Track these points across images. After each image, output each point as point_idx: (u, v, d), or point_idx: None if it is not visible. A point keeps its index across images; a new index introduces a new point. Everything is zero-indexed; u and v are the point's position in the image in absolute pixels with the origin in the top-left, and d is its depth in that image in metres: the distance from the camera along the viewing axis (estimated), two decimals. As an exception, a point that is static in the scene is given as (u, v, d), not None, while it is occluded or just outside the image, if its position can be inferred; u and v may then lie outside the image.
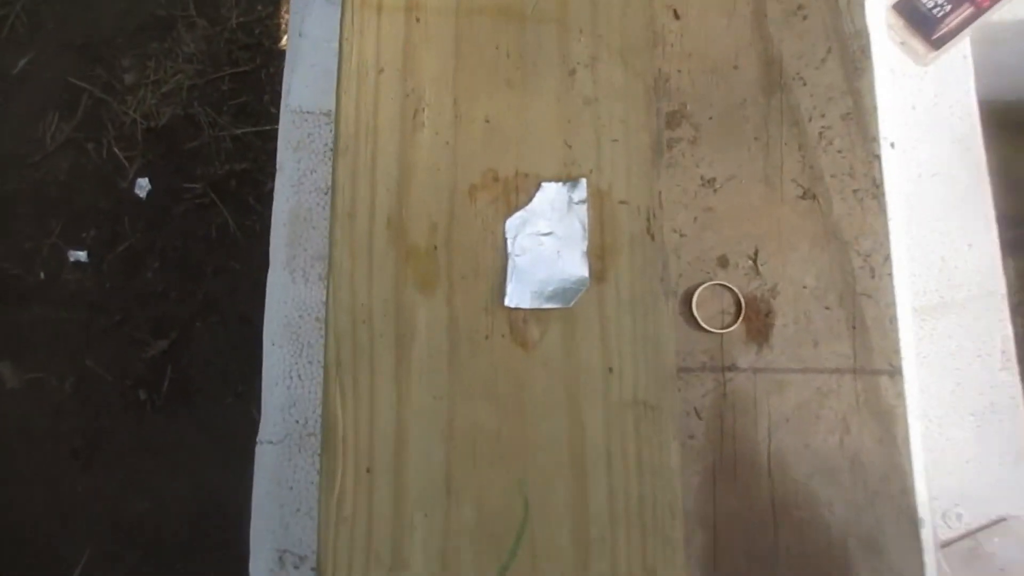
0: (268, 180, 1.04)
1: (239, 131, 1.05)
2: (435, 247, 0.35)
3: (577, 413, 0.34)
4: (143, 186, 1.05)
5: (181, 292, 1.00)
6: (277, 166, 0.63)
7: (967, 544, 0.59)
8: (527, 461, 0.34)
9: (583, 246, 0.35)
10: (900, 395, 0.50)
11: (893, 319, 0.51)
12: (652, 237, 0.37)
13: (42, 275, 1.03)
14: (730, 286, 0.51)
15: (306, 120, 0.64)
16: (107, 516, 0.94)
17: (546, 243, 0.35)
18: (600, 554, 0.33)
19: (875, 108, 0.54)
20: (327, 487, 0.33)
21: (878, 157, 0.53)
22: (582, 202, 0.36)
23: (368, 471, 0.34)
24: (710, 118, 0.54)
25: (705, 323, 0.50)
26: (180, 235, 1.02)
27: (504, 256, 0.35)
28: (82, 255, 1.03)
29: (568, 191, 0.36)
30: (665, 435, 0.35)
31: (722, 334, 0.50)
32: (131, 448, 0.96)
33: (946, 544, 0.59)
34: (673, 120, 0.54)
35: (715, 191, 0.53)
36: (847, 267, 0.52)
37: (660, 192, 0.37)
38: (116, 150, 1.07)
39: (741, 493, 0.48)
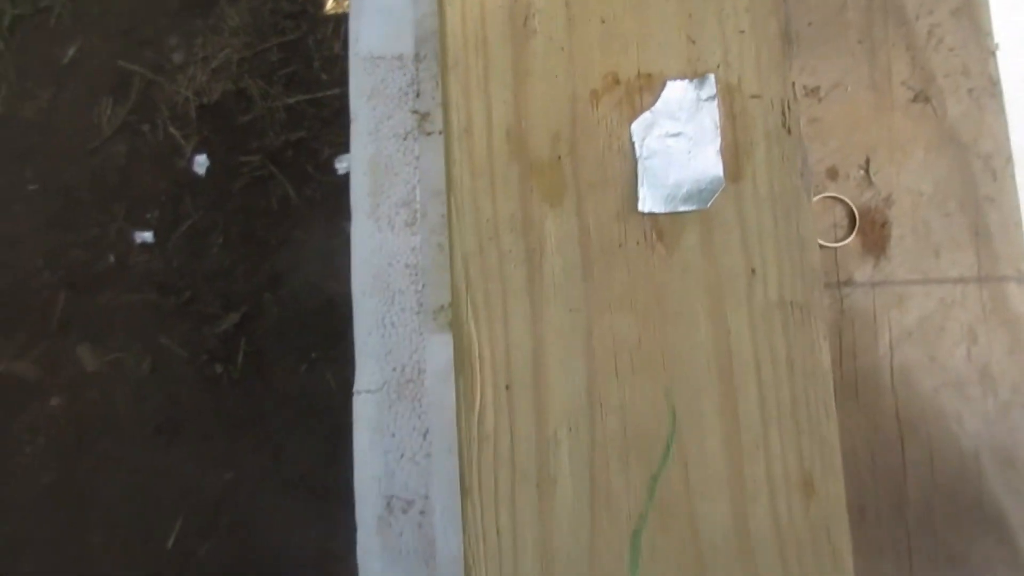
0: (325, 148, 1.03)
1: (292, 100, 1.04)
2: (559, 157, 0.34)
3: (721, 318, 0.32)
4: (201, 163, 1.05)
5: (247, 265, 1.00)
6: (351, 116, 0.62)
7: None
8: (672, 370, 0.32)
9: (716, 144, 0.33)
10: (1032, 305, 0.48)
11: (1019, 223, 0.49)
12: (788, 131, 0.35)
13: (111, 259, 1.04)
14: (842, 198, 0.49)
15: (378, 66, 0.63)
16: (194, 489, 0.96)
17: (676, 144, 0.33)
18: (753, 458, 0.31)
19: (987, 1, 0.51)
20: (466, 406, 0.32)
21: (993, 53, 0.50)
22: (711, 99, 0.34)
23: (507, 388, 0.32)
24: (809, 24, 0.51)
25: (818, 237, 0.48)
26: (242, 209, 1.02)
27: (633, 161, 0.34)
28: (148, 236, 1.04)
29: (695, 88, 0.34)
30: (815, 334, 0.33)
31: (836, 248, 0.48)
32: (211, 421, 0.97)
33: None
34: (768, 31, 0.52)
35: (820, 100, 0.50)
36: (967, 171, 0.49)
37: (794, 83, 0.35)
38: (172, 130, 1.07)
39: (864, 411, 0.46)
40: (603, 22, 0.35)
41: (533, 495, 0.32)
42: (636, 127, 0.34)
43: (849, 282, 0.48)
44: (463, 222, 0.34)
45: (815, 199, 0.49)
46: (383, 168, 0.62)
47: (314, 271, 0.89)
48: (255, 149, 1.04)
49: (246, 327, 0.99)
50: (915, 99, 0.50)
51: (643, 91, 0.34)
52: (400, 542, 0.52)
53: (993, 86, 0.50)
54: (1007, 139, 0.50)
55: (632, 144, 0.34)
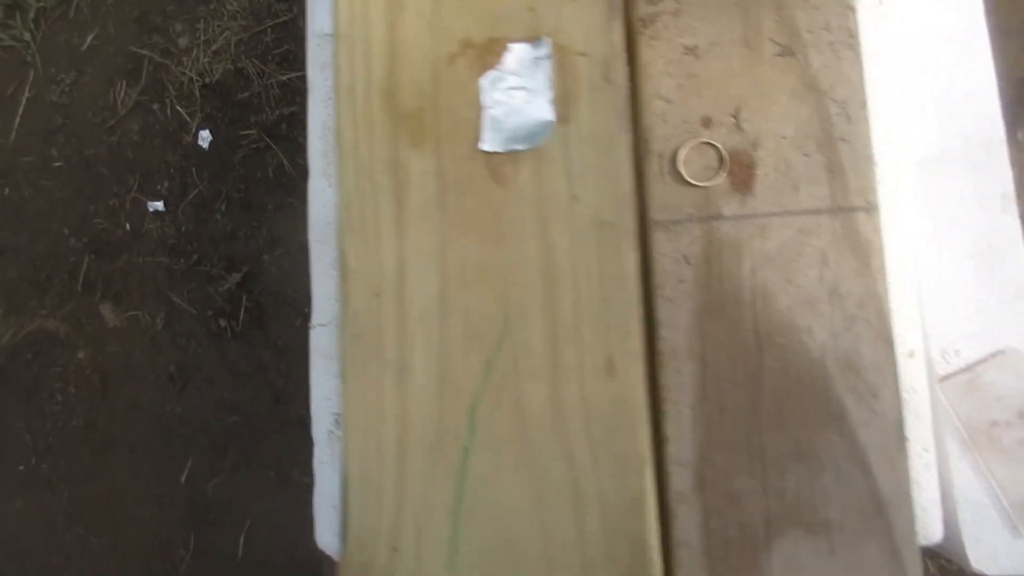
0: (314, 120, 1.11)
1: (284, 77, 1.13)
2: (422, 109, 0.42)
3: (547, 236, 0.40)
4: (205, 138, 1.15)
5: (248, 230, 1.10)
6: (308, 86, 0.70)
7: (965, 377, 0.62)
8: (506, 279, 0.40)
9: (549, 95, 0.41)
10: (876, 230, 0.54)
11: (869, 159, 0.55)
12: (608, 82, 0.42)
13: (127, 226, 1.15)
14: (713, 143, 0.56)
15: (329, 42, 0.71)
16: (203, 431, 1.07)
17: (516, 95, 0.41)
18: (568, 347, 0.39)
19: (848, -37, 0.57)
20: (344, 309, 0.41)
21: (852, 9, 0.56)
22: (547, 57, 0.41)
23: (376, 295, 0.41)
24: (690, -10, 0.58)
25: (691, 178, 0.55)
26: (242, 178, 1.12)
27: (480, 110, 0.41)
28: (159, 205, 1.14)
29: (533, 49, 0.41)
30: (623, 246, 0.40)
31: (707, 187, 0.55)
32: (218, 370, 1.07)
33: (945, 379, 0.62)
34: (652, -4, 0.58)
35: (698, 58, 0.57)
36: (824, 115, 0.56)
37: (616, 42, 0.42)
38: (178, 108, 1.17)
39: (727, 327, 0.54)
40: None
41: (394, 379, 0.40)
42: (483, 82, 0.41)
43: (718, 216, 0.55)
44: (346, 163, 0.42)
45: (690, 144, 0.55)
46: (333, 131, 0.70)
47: (307, 234, 0.99)
48: (252, 123, 1.13)
49: (247, 285, 1.09)
50: (781, 53, 0.56)
51: (492, 53, 0.42)
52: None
53: (851, 39, 0.56)
54: (862, 86, 0.56)
55: (480, 96, 0.41)
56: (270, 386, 1.05)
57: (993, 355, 0.63)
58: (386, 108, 0.42)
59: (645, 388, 0.40)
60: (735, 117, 0.56)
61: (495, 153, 0.41)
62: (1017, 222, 0.64)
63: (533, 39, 0.41)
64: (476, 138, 0.41)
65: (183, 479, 1.07)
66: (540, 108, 0.40)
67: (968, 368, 0.63)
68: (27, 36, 1.22)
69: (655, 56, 0.57)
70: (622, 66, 0.41)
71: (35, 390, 1.12)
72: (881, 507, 0.52)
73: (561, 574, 0.38)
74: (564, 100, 0.41)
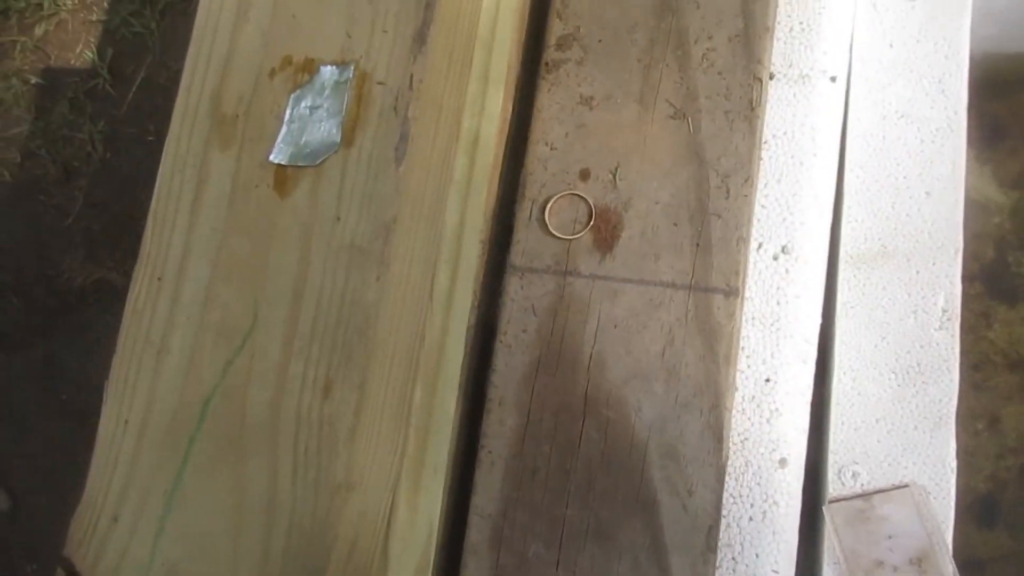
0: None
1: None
2: (237, 116, 0.44)
3: (307, 251, 0.41)
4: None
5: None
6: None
7: (858, 504, 0.55)
8: (264, 283, 0.41)
9: (340, 118, 0.42)
10: (732, 316, 0.50)
11: (741, 240, 0.51)
12: (395, 112, 0.42)
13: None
14: (584, 196, 0.54)
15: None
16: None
17: (314, 115, 0.42)
18: (298, 361, 0.40)
19: (768, 30, 0.53)
20: (129, 296, 0.44)
21: (759, 80, 0.53)
22: (347, 82, 0.42)
23: (159, 279, 0.43)
24: (599, 40, 0.56)
25: (555, 230, 0.54)
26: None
27: (281, 124, 0.43)
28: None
29: (339, 73, 0.43)
30: (368, 274, 0.40)
31: (569, 241, 0.54)
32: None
33: (834, 500, 0.55)
34: (564, 42, 0.57)
35: (591, 108, 0.56)
36: (704, 186, 0.52)
37: (412, 75, 0.42)
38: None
39: (559, 387, 0.52)
40: (294, 16, 0.44)
41: (153, 360, 0.43)
42: (291, 98, 0.43)
43: (574, 272, 0.53)
44: (168, 155, 0.46)
45: (561, 195, 0.54)
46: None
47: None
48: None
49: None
50: (674, 115, 0.54)
51: (305, 71, 0.44)
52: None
53: (751, 110, 0.53)
54: (751, 161, 0.52)
55: (284, 111, 0.43)
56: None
57: (895, 487, 0.55)
58: (210, 110, 0.45)
59: (354, 415, 0.40)
60: (613, 174, 0.54)
61: (282, 165, 0.42)
62: (955, 342, 0.56)
63: (342, 63, 0.43)
64: (271, 149, 0.43)
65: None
66: (329, 129, 0.41)
67: (864, 495, 0.56)
68: (152, 25, 1.39)
69: (551, 102, 0.56)
70: (411, 99, 0.41)
71: (90, 330, 1.26)
72: (670, 612, 0.47)
73: (240, 580, 0.38)
74: (353, 124, 0.42)
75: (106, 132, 1.37)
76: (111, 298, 1.26)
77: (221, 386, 0.41)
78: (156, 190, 0.45)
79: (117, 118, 1.36)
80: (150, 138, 1.33)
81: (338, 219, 0.41)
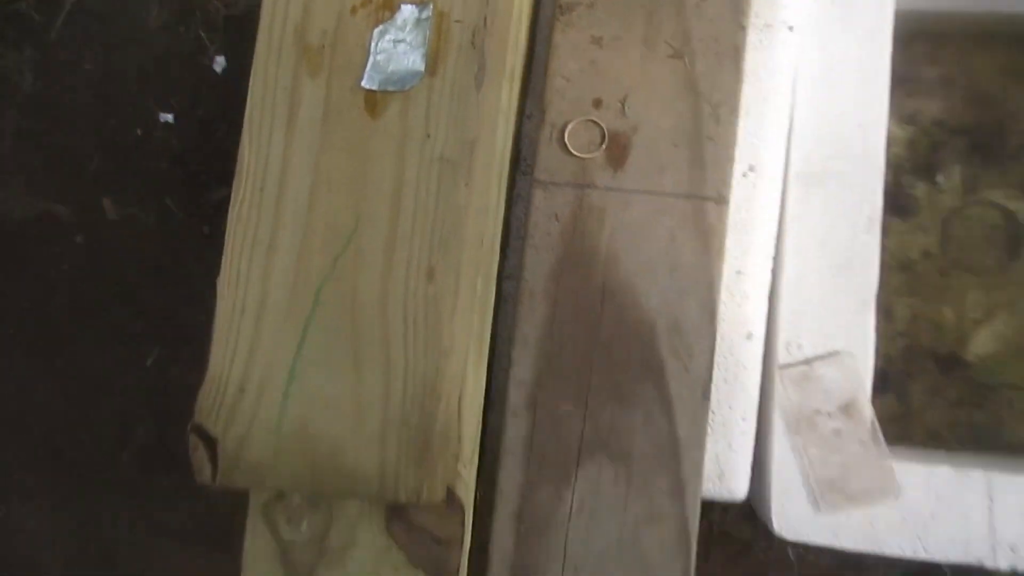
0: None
1: (298, 19, 1.23)
2: (323, 46, 0.51)
3: (401, 163, 0.49)
4: (220, 63, 1.26)
5: (242, 152, 1.21)
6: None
7: (801, 369, 0.70)
8: (364, 192, 0.49)
9: (423, 50, 0.50)
10: (721, 219, 0.63)
11: (728, 159, 0.63)
12: (473, 47, 0.51)
13: (138, 132, 1.26)
14: (598, 121, 0.64)
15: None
16: (173, 320, 1.19)
17: (398, 47, 0.50)
18: (400, 253, 0.48)
19: (748, -12, 0.65)
20: (234, 198, 0.51)
21: (743, 28, 0.64)
22: (427, 20, 0.50)
23: (261, 189, 0.50)
24: (607, -12, 0.66)
25: (573, 149, 0.64)
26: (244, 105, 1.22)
27: (368, 54, 0.50)
28: (169, 117, 1.26)
29: (418, 11, 0.50)
30: (458, 180, 0.50)
31: (586, 159, 0.64)
32: (194, 269, 1.19)
33: (784, 367, 0.70)
34: (574, -11, 0.67)
35: (601, 48, 0.66)
36: (698, 114, 0.64)
37: (487, 16, 0.51)
38: (201, 33, 1.28)
39: (579, 279, 0.63)
40: (371, -42, 0.51)
41: (262, 256, 0.50)
42: (375, 32, 0.50)
43: (591, 185, 0.64)
44: (257, 79, 0.52)
45: (578, 120, 0.64)
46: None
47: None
48: (263, 56, 1.23)
49: (233, 201, 1.20)
50: (673, 55, 0.65)
51: (386, 9, 0.51)
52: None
53: (735, 53, 0.64)
54: (736, 94, 0.64)
55: (369, 43, 0.50)
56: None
57: (829, 354, 0.71)
58: (295, 42, 0.51)
59: (453, 295, 0.49)
60: (622, 103, 0.64)
61: (372, 90, 0.50)
62: (877, 244, 0.72)
63: (420, 3, 0.50)
64: (360, 76, 0.50)
65: (148, 363, 1.19)
66: (414, 60, 0.49)
67: (806, 362, 0.71)
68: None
69: (565, 40, 0.65)
70: (485, 36, 0.50)
71: (34, 262, 1.25)
72: (676, 449, 0.60)
73: (366, 426, 0.48)
74: (435, 56, 0.50)
75: (35, 60, 1.32)
76: (57, 230, 1.25)
77: (332, 276, 0.49)
78: (248, 112, 0.52)
79: (47, 43, 1.32)
80: (87, 67, 1.30)
81: (428, 136, 0.49)
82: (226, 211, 1.17)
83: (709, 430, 0.65)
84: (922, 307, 0.89)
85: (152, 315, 1.20)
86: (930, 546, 0.68)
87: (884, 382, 0.89)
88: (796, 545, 0.99)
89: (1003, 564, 0.67)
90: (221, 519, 1.14)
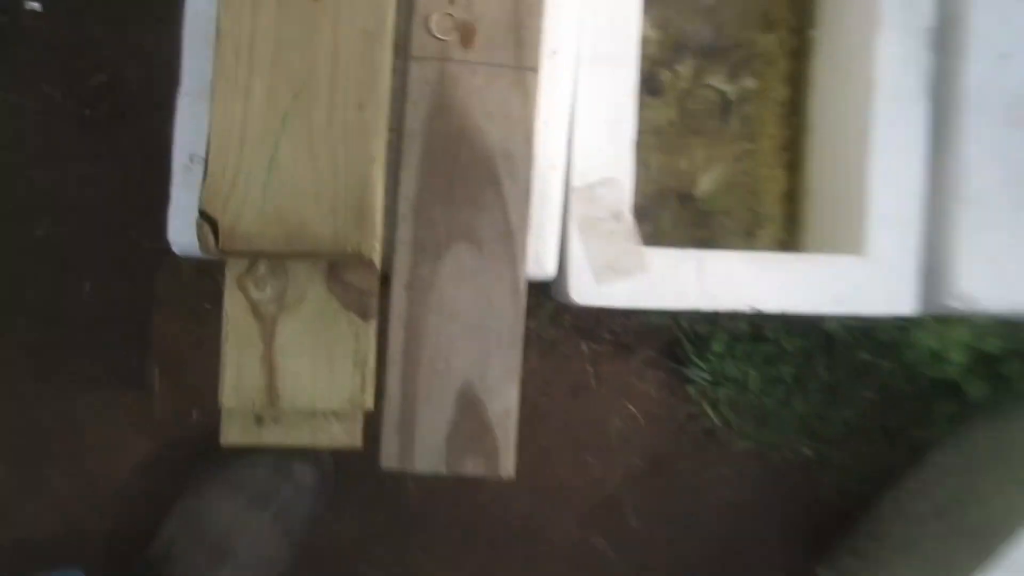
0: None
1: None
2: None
3: (337, 32, 0.75)
4: (85, -46, 1.36)
5: (118, 40, 1.35)
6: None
7: (587, 192, 1.06)
8: (312, 52, 0.75)
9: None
10: (536, 84, 0.95)
11: (539, 42, 0.95)
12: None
13: (6, 19, 1.35)
14: (452, 14, 0.93)
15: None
16: (64, 200, 1.33)
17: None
18: (339, 94, 0.75)
19: (546, -76, 0.95)
20: (216, 58, 0.74)
21: (543, -48, 0.95)
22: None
23: (236, 54, 0.74)
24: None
25: (436, 33, 0.93)
26: (116, -6, 1.35)
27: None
28: (36, 6, 1.35)
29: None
30: (376, 45, 0.77)
31: (445, 40, 0.93)
32: (77, 150, 1.33)
33: (576, 189, 1.06)
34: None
35: (450, -38, 0.93)
36: (519, 9, 0.95)
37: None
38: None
39: (444, 124, 0.92)
40: None
41: (243, 97, 0.75)
42: (310, -58, 0.75)
43: (450, 59, 0.93)
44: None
45: (440, 12, 0.92)
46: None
47: (172, 53, 1.25)
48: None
49: (112, 85, 1.34)
50: (500, -30, 0.94)
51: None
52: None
53: (541, -30, 0.95)
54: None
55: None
56: (123, 164, 1.33)
57: (605, 180, 1.07)
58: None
59: (376, 120, 0.78)
60: (468, 2, 0.94)
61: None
62: (633, 109, 1.08)
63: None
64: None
65: (39, 234, 1.33)
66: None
67: (590, 187, 1.07)
68: None
69: (426, -45, 0.93)
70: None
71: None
72: (511, 234, 0.93)
73: (323, 205, 0.75)
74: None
75: None
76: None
77: (293, 108, 0.75)
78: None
79: None
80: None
81: (353, 15, 0.76)
82: (104, 95, 1.34)
83: (529, 227, 0.99)
84: (667, 160, 1.29)
85: (41, 193, 1.33)
86: (666, 299, 1.08)
87: (643, 214, 1.28)
88: (589, 338, 1.39)
89: (706, 306, 1.09)
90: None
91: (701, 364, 1.36)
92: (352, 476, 1.30)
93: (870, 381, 1.37)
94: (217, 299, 1.25)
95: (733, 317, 1.35)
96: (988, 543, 1.16)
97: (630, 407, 1.39)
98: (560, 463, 1.38)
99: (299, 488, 1.21)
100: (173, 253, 0.99)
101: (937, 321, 1.23)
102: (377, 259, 0.85)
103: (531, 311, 1.32)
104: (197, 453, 1.24)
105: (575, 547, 1.39)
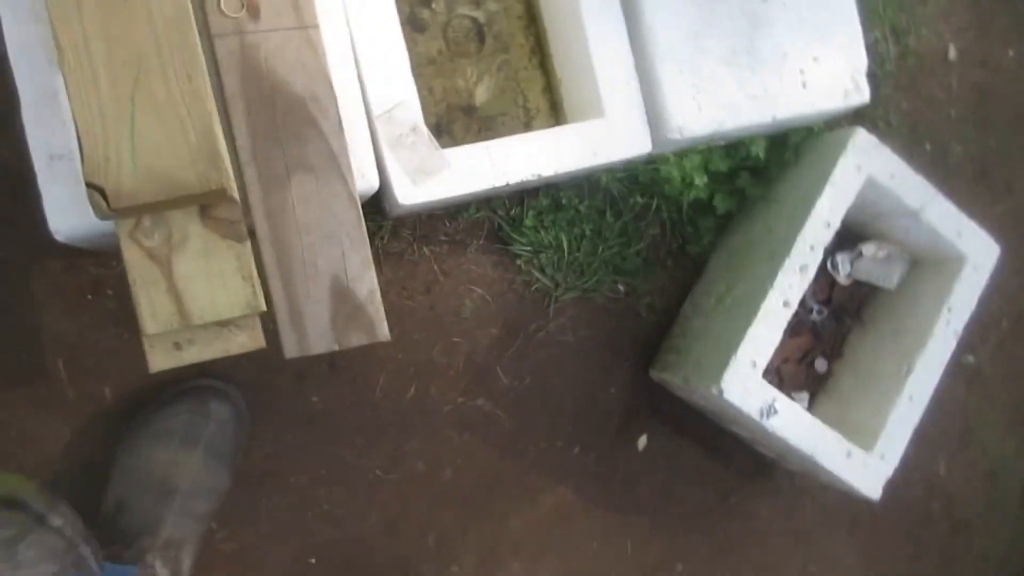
0: None
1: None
2: (83, -29, 0.95)
3: (153, 23, 0.97)
4: None
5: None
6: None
7: (386, 116, 1.33)
8: (139, 43, 0.97)
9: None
10: (320, 38, 1.20)
11: (312, 2, 1.20)
12: (169, -40, 0.99)
13: None
14: (238, -3, 1.16)
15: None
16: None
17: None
18: (170, 71, 0.98)
19: (293, -90, 1.20)
20: (60, 59, 0.94)
21: (297, -67, 1.20)
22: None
23: (75, 48, 0.94)
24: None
25: (228, 12, 1.16)
26: None
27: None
28: None
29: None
30: (187, 29, 1.00)
31: (237, 17, 1.16)
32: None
33: (378, 116, 1.33)
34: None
35: (225, -45, 1.16)
36: (291, -16, 1.19)
37: (170, -57, 0.99)
38: None
39: (256, 84, 1.16)
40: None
41: (94, 86, 0.95)
42: (111, -41, 0.96)
43: (245, 31, 1.16)
44: (48, -4, 0.94)
45: (226, -2, 1.15)
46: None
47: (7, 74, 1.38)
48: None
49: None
50: (267, -47, 1.18)
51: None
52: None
53: (300, -52, 1.20)
54: (307, -30, 1.20)
55: (111, -35, 0.96)
56: (-28, 203, 1.45)
57: (399, 104, 1.35)
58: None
59: (203, 86, 1.01)
60: (248, -16, 1.17)
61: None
62: (402, 46, 1.36)
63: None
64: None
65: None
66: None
67: (388, 111, 1.34)
68: None
69: (203, -47, 1.15)
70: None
71: None
72: (335, 158, 1.19)
73: (181, 158, 0.98)
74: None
75: None
76: None
77: (136, 89, 0.97)
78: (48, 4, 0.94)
79: None
80: None
81: (162, 6, 0.97)
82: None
83: (348, 150, 1.25)
84: (446, 83, 1.58)
85: None
86: (470, 185, 1.39)
87: (439, 129, 1.57)
88: (428, 243, 1.67)
89: (500, 183, 1.40)
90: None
91: (521, 239, 1.68)
92: (262, 405, 1.53)
93: (649, 218, 1.76)
94: (96, 289, 1.44)
95: (534, 194, 1.68)
96: (752, 305, 1.58)
97: (476, 289, 1.70)
98: (432, 349, 1.67)
99: (220, 422, 1.42)
100: (45, 258, 1.17)
101: (675, 155, 1.62)
102: (235, 194, 1.09)
103: (374, 232, 1.60)
104: (119, 420, 1.42)
105: (463, 412, 1.69)
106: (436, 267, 1.67)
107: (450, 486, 1.68)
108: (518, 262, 1.71)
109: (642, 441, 1.81)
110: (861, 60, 1.61)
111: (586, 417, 1.77)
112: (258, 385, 1.52)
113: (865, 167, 1.59)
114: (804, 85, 1.57)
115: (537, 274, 1.72)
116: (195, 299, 1.05)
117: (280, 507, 1.56)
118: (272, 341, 1.17)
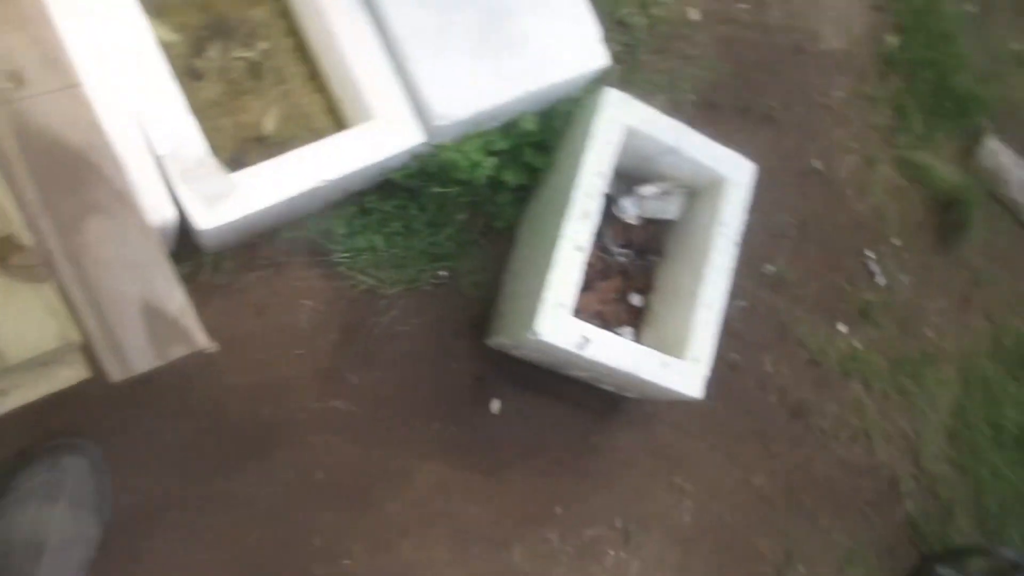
0: None
1: None
2: None
3: None
4: None
5: None
6: None
7: (172, 155, 1.46)
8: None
9: None
10: (84, 95, 1.33)
11: (66, 66, 1.33)
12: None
13: None
14: (-2, 72, 1.28)
15: None
16: None
17: None
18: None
19: None
20: None
21: None
22: None
23: None
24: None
25: (-7, 88, 1.27)
26: None
27: None
28: None
29: None
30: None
31: (5, 87, 1.27)
32: None
33: (162, 156, 1.45)
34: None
35: (-22, 37, 1.28)
36: (51, 51, 1.32)
37: None
38: None
39: (34, 142, 1.27)
40: None
41: None
42: None
43: (13, 100, 1.27)
44: None
45: (-14, 74, 1.26)
46: None
47: None
48: None
49: None
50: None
51: None
52: None
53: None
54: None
55: None
56: None
57: (180, 143, 1.48)
58: None
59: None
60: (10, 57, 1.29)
61: None
62: (180, 91, 1.50)
63: None
64: None
65: None
66: None
67: (172, 151, 1.47)
68: None
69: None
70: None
71: None
72: (122, 195, 1.31)
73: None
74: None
75: None
76: None
77: None
78: None
79: None
80: None
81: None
82: None
83: (135, 186, 1.36)
84: (235, 119, 1.73)
85: None
86: (259, 201, 1.53)
87: (236, 162, 1.71)
88: (251, 268, 1.79)
89: (286, 194, 1.55)
90: None
91: (337, 247, 1.83)
92: (123, 450, 1.60)
93: (451, 204, 1.95)
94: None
95: (340, 205, 1.84)
96: (551, 256, 1.79)
97: (307, 302, 1.83)
98: (279, 364, 1.79)
99: (77, 474, 1.48)
100: None
101: (454, 142, 1.82)
102: (25, 242, 1.19)
103: (196, 270, 1.71)
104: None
105: (321, 416, 1.81)
106: (264, 289, 1.79)
107: (324, 486, 1.78)
108: (340, 269, 1.86)
109: (495, 405, 1.98)
110: (592, 30, 1.87)
111: (438, 395, 1.92)
112: (113, 432, 1.59)
113: (619, 118, 1.84)
114: (549, 60, 1.81)
115: (361, 276, 1.87)
116: (8, 340, 1.14)
117: (159, 545, 1.62)
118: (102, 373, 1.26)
